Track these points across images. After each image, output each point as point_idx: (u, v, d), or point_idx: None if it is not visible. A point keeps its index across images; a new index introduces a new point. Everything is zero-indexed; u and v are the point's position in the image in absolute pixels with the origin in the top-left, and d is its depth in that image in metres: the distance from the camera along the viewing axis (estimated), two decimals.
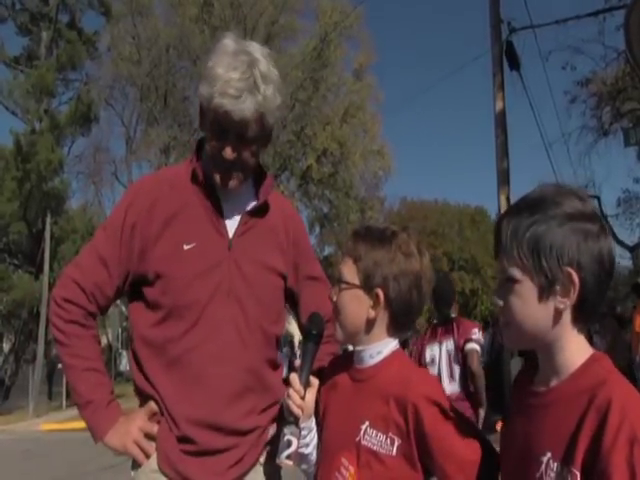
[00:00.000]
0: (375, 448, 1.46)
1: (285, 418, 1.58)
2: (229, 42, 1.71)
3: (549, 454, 1.16)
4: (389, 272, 1.50)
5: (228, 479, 1.73)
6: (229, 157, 1.71)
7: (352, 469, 1.48)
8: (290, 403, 1.57)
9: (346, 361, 1.64)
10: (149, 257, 1.74)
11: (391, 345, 1.56)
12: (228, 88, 1.64)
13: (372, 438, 1.48)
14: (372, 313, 1.51)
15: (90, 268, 1.78)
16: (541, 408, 1.23)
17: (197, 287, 1.72)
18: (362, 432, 1.49)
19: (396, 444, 1.45)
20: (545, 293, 1.19)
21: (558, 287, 1.17)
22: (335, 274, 1.60)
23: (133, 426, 1.74)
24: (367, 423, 1.49)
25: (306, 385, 1.60)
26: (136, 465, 1.76)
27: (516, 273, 1.21)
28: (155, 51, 21.46)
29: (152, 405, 1.75)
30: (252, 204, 1.83)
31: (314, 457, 1.63)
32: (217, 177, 1.75)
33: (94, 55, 23.49)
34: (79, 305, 1.77)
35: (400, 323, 1.55)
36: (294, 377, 1.59)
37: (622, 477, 1.03)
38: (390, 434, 1.46)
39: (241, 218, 1.80)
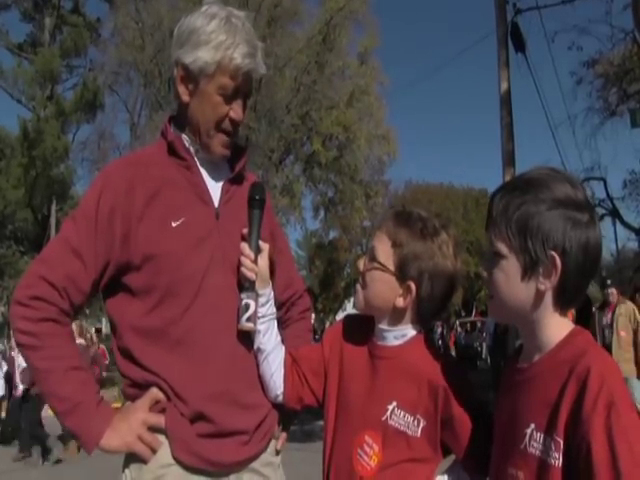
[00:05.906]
0: (402, 429, 1.47)
1: (243, 287, 1.63)
2: (215, 8, 1.68)
3: (533, 425, 1.20)
4: (425, 268, 1.49)
5: (239, 458, 1.63)
6: (239, 117, 1.67)
7: (377, 447, 1.48)
8: (243, 269, 1.62)
9: (362, 332, 1.62)
10: (133, 240, 1.59)
11: (415, 329, 1.57)
12: (243, 48, 1.62)
13: (399, 419, 1.48)
14: (401, 302, 1.51)
15: (59, 260, 1.58)
16: (524, 383, 1.26)
17: (193, 259, 1.61)
18: (389, 412, 1.49)
19: (421, 425, 1.46)
20: (528, 273, 1.22)
21: (541, 269, 1.21)
22: (368, 247, 1.58)
23: (134, 421, 1.56)
24: (395, 403, 1.49)
25: (256, 251, 1.64)
26: (132, 461, 1.59)
27: (503, 249, 1.25)
28: (159, 36, 21.28)
29: (154, 392, 1.58)
30: (228, 174, 1.78)
31: (263, 328, 1.65)
32: (216, 143, 1.68)
33: (98, 41, 23.45)
34: (50, 302, 1.55)
35: (425, 317, 1.56)
36: (243, 244, 1.64)
37: (600, 441, 1.07)
38: (418, 416, 1.47)
39: (223, 186, 1.74)
